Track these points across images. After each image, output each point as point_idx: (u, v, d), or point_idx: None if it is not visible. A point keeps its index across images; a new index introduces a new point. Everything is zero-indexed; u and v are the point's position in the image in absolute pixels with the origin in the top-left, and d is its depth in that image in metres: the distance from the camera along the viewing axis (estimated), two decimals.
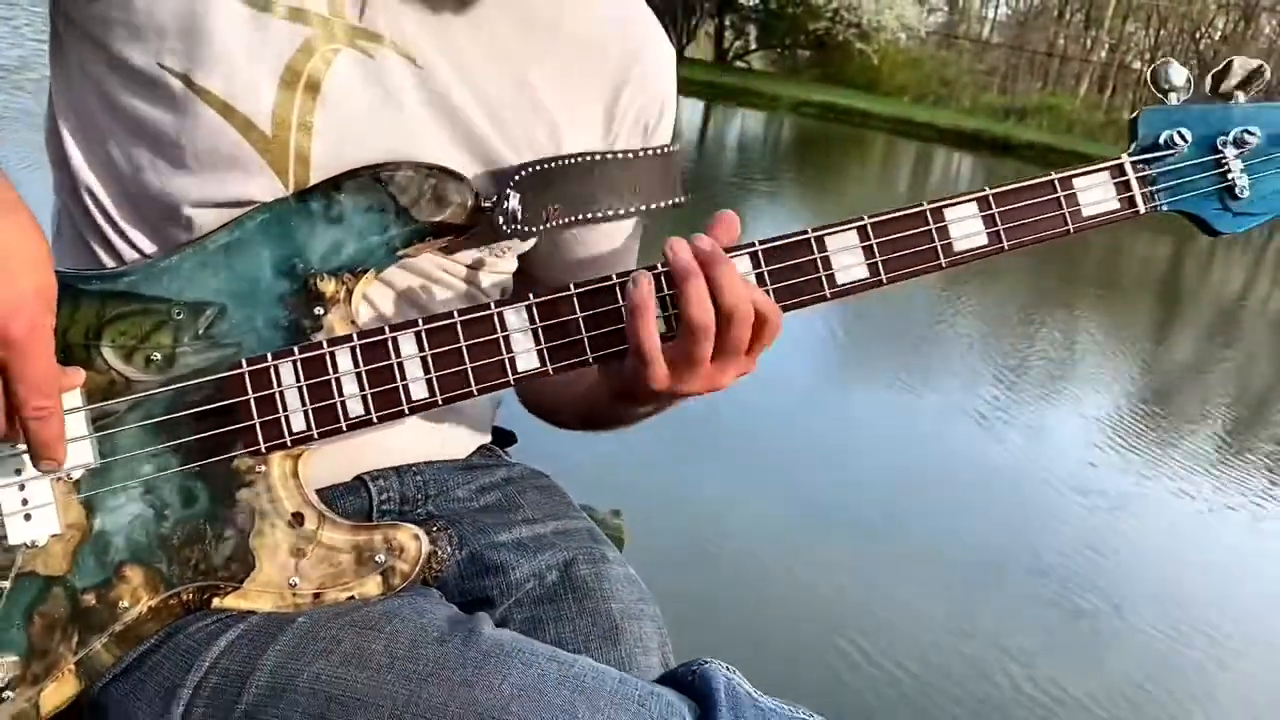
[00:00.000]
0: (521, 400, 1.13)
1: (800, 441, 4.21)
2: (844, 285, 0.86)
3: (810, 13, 28.32)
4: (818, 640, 2.74)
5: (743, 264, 0.84)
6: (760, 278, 0.84)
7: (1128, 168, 0.91)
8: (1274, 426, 6.09)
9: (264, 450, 0.82)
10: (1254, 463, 5.10)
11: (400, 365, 0.82)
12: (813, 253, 0.85)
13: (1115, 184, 0.90)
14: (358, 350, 0.82)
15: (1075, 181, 0.90)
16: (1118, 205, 0.91)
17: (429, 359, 0.83)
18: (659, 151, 0.93)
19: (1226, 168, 0.91)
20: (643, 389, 0.83)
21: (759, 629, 2.70)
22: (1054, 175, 0.90)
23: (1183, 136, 0.90)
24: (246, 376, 0.81)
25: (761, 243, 0.85)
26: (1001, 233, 0.88)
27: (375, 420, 0.83)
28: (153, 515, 0.81)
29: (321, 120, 0.85)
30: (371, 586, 0.83)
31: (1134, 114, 0.92)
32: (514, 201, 0.87)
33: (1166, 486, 4.53)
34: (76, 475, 0.79)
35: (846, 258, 0.86)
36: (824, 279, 0.86)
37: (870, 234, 0.86)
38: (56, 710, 0.79)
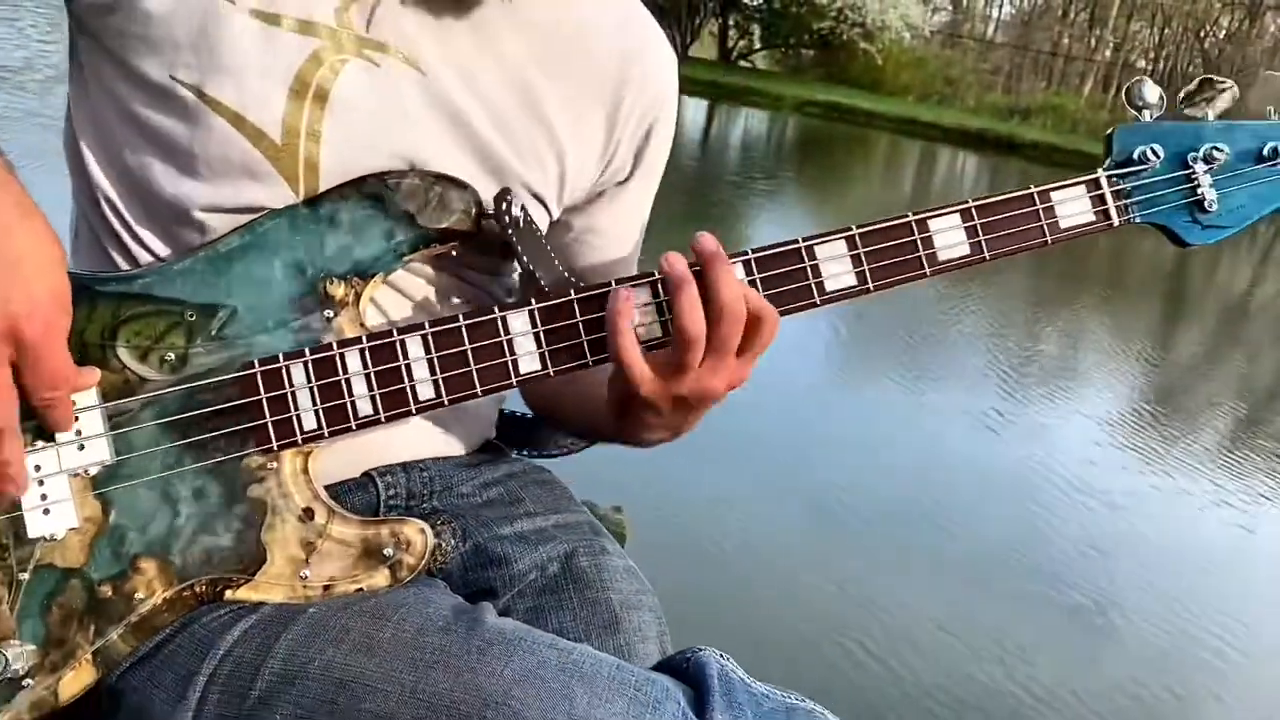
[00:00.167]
0: (527, 403, 1.14)
1: (801, 440, 4.21)
2: (833, 293, 0.89)
3: (814, 12, 28.17)
4: (818, 639, 2.75)
5: (736, 272, 0.86)
6: (753, 285, 0.87)
7: (1103, 182, 0.94)
8: (1275, 426, 6.08)
9: (276, 448, 0.84)
10: (1255, 462, 5.09)
11: (408, 367, 0.85)
12: (803, 261, 0.88)
13: (1091, 197, 0.94)
14: (366, 352, 0.84)
15: (1053, 195, 0.93)
16: (1093, 218, 0.94)
17: (435, 361, 0.85)
18: None
19: (1196, 183, 0.95)
20: (630, 392, 0.85)
21: (759, 627, 2.70)
22: (1033, 189, 0.93)
23: (1155, 153, 0.94)
24: (259, 377, 0.83)
25: (754, 251, 0.87)
26: (983, 243, 0.91)
27: (384, 420, 0.85)
28: (167, 510, 0.82)
29: (330, 129, 0.87)
30: (379, 579, 0.84)
31: (1109, 130, 0.95)
32: (517, 209, 0.89)
33: (1167, 486, 4.53)
34: (93, 471, 0.81)
35: (835, 266, 0.89)
36: (814, 286, 0.88)
37: (858, 243, 0.89)
38: (74, 698, 0.81)
